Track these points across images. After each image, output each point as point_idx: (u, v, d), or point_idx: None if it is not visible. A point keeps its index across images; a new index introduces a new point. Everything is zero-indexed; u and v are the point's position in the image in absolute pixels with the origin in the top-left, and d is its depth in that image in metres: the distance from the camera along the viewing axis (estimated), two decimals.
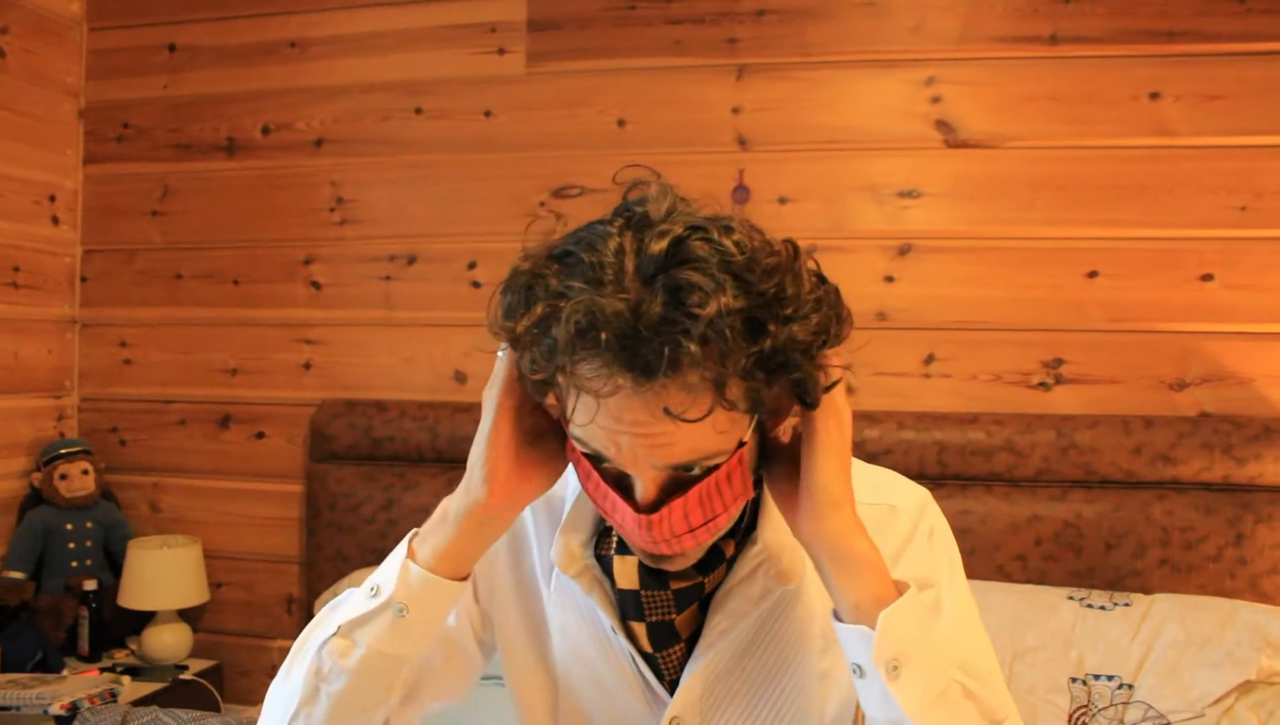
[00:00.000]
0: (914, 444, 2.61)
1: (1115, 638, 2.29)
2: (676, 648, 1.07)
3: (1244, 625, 2.25)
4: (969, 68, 2.70)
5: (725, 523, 0.97)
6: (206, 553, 3.02)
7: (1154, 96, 2.60)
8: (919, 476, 2.49)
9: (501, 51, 2.96)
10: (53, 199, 3.15)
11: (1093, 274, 2.64)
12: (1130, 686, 2.23)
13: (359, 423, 2.88)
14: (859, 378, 2.72)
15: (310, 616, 2.81)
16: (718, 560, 1.03)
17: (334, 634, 1.01)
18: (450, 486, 2.74)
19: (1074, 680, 2.26)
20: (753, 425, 0.94)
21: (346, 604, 1.03)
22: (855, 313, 2.52)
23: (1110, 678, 2.25)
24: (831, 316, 0.92)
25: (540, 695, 1.16)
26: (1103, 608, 2.34)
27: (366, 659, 1.00)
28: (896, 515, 1.10)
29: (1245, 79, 2.55)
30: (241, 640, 3.13)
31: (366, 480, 2.84)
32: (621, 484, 0.95)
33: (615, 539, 1.06)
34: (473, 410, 2.81)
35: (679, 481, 0.93)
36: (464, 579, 1.01)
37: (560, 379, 0.89)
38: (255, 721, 2.20)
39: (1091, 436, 2.54)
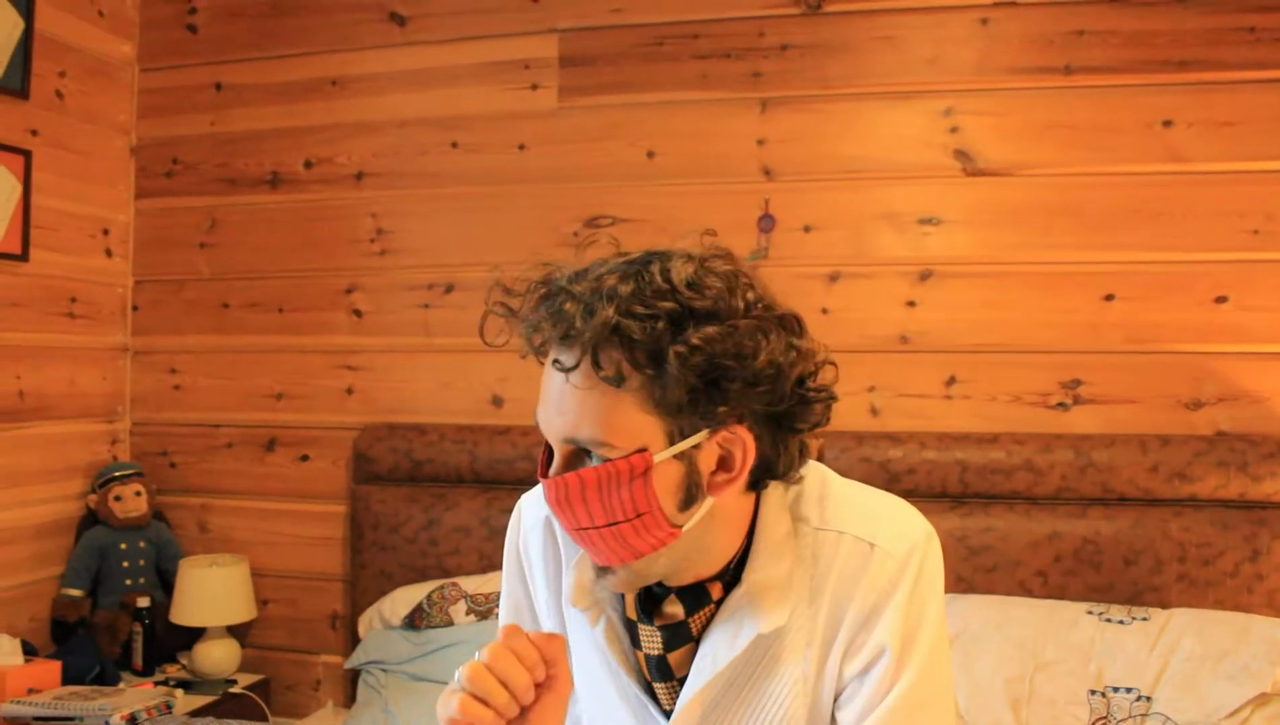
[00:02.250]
0: (936, 464, 2.65)
1: (1133, 651, 2.32)
2: (671, 683, 1.13)
3: (1260, 639, 2.27)
4: (986, 98, 2.75)
5: (634, 539, 1.01)
6: (253, 571, 3.10)
7: (1167, 124, 2.64)
8: (941, 495, 2.58)
9: (535, 87, 3.04)
10: (106, 232, 3.27)
11: (1109, 297, 2.68)
12: (1148, 699, 2.25)
13: (400, 445, 2.97)
14: (882, 399, 2.80)
15: (354, 632, 2.92)
16: (704, 601, 1.08)
17: None
18: (489, 506, 2.86)
19: (1093, 692, 2.28)
20: (668, 447, 0.98)
21: None
22: (877, 337, 2.62)
23: (1129, 690, 2.27)
24: (777, 337, 1.00)
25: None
26: (1121, 622, 2.38)
27: None
28: (874, 556, 1.08)
29: (1255, 106, 2.59)
30: (287, 655, 3.21)
31: (408, 501, 2.93)
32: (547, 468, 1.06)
33: None
34: (510, 433, 2.91)
35: (579, 460, 1.02)
36: None
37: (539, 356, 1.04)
38: None
39: (1109, 455, 2.58)
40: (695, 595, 1.09)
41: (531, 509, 1.27)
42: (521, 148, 3.06)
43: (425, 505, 2.91)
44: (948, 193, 2.78)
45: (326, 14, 3.20)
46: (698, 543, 1.05)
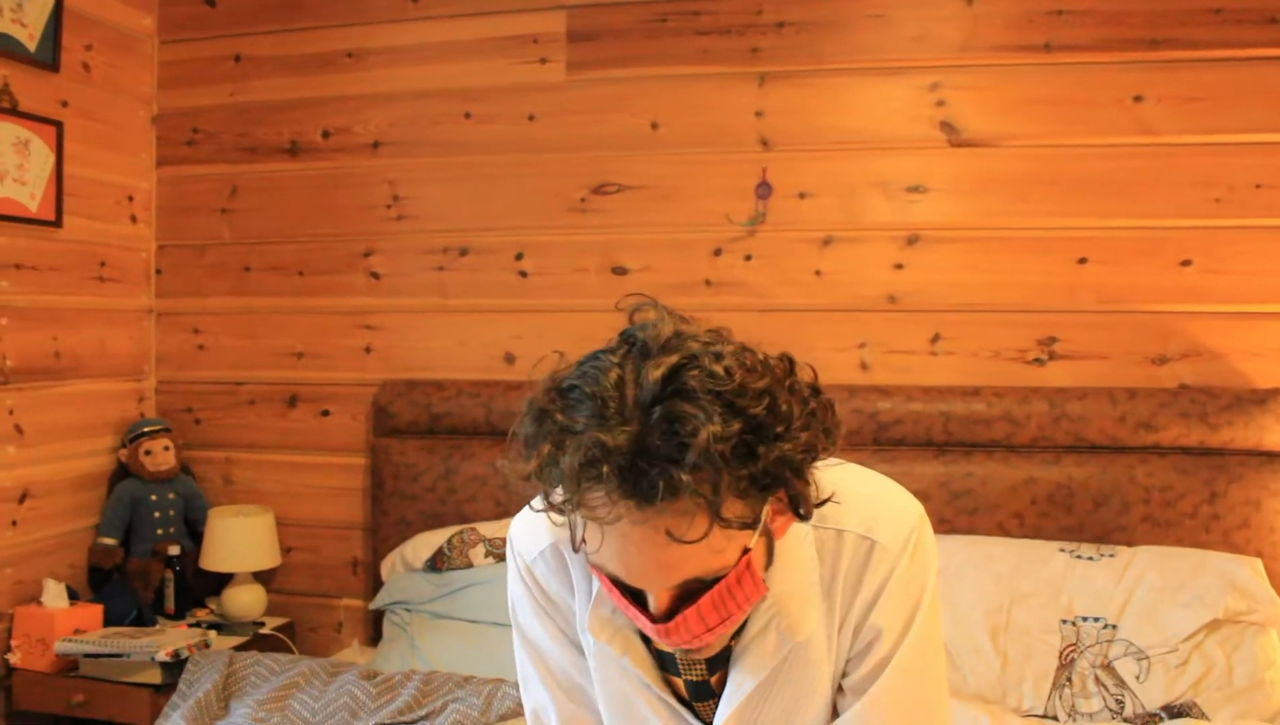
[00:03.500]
0: (922, 414, 2.78)
1: (1101, 584, 2.46)
2: (712, 701, 1.21)
3: (1214, 572, 2.44)
4: (970, 74, 2.86)
5: (740, 618, 1.04)
6: (277, 520, 3.25)
7: (1138, 99, 2.76)
8: (927, 444, 2.76)
9: (543, 61, 3.15)
10: (131, 199, 3.39)
11: (1083, 260, 2.81)
12: (1114, 627, 2.41)
13: (419, 400, 3.11)
14: (872, 355, 2.95)
15: (375, 577, 3.08)
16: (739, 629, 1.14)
17: None
18: (504, 456, 3.01)
19: (1064, 622, 2.44)
20: (758, 533, 1.00)
21: None
22: (867, 297, 2.82)
23: (1096, 619, 2.43)
24: (820, 432, 0.99)
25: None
26: (1090, 558, 2.52)
27: None
28: (875, 552, 1.15)
29: (1221, 82, 2.71)
30: (310, 600, 3.36)
31: (426, 452, 3.08)
32: (639, 597, 1.02)
33: None
34: (522, 388, 3.03)
35: (689, 592, 1.00)
36: None
37: (568, 511, 0.96)
38: (337, 665, 2.50)
39: (1081, 407, 2.72)
40: None
41: (525, 541, 1.27)
42: (531, 118, 3.16)
43: (443, 456, 3.06)
44: (933, 162, 2.90)
45: None
46: None
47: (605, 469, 0.89)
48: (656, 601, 1.00)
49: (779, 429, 0.94)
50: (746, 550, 1.00)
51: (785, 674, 1.17)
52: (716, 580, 0.99)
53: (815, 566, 1.15)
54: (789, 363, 1.01)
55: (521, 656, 1.34)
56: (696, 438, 0.88)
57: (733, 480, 0.91)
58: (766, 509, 1.00)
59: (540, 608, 1.28)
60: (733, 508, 0.93)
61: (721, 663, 1.17)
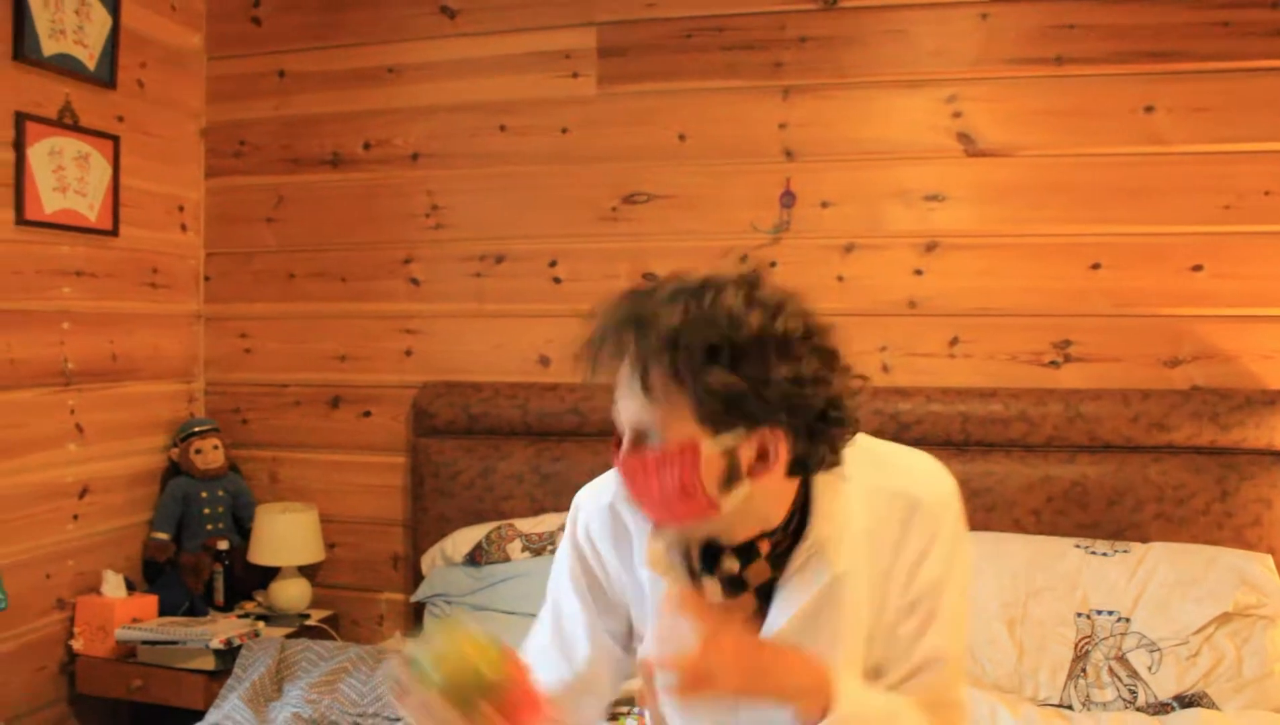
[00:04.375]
0: (941, 415, 2.88)
1: (1115, 579, 2.54)
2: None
3: (1225, 567, 2.51)
4: (985, 86, 2.94)
5: (680, 509, 1.20)
6: (321, 517, 3.36)
7: (1148, 110, 2.83)
8: (945, 443, 2.85)
9: (575, 75, 3.25)
10: (181, 209, 3.53)
11: (1096, 266, 2.89)
12: (1127, 620, 2.49)
13: (457, 401, 3.23)
14: (893, 358, 3.04)
15: (415, 571, 3.20)
16: (754, 556, 1.26)
17: None
18: (540, 455, 3.12)
19: (1079, 615, 2.51)
20: (712, 442, 1.17)
21: None
22: (888, 302, 2.90)
23: (1110, 613, 2.51)
24: (817, 393, 1.17)
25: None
26: (1104, 554, 2.60)
27: None
28: (920, 511, 1.27)
29: (1229, 92, 2.78)
30: (353, 593, 3.48)
31: (465, 451, 3.19)
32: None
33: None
34: (557, 389, 3.17)
35: (644, 442, 1.20)
36: None
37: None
38: (382, 651, 2.63)
39: (1095, 407, 2.79)
40: (746, 551, 1.26)
41: (589, 501, 1.45)
42: (564, 131, 3.27)
43: (481, 455, 3.17)
44: (951, 172, 2.98)
45: (382, 7, 3.42)
46: (742, 514, 1.22)
47: (619, 329, 1.19)
48: (626, 440, 1.22)
49: (752, 347, 1.14)
50: (692, 443, 1.17)
51: (824, 613, 1.26)
52: (660, 446, 1.18)
53: (855, 517, 1.27)
54: (813, 328, 1.19)
55: (545, 605, 1.52)
56: (679, 323, 1.14)
57: (691, 375, 1.14)
58: (741, 442, 1.18)
59: (580, 566, 1.46)
60: (687, 402, 1.15)
61: (736, 590, 1.28)
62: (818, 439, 1.22)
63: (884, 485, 1.29)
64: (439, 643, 1.19)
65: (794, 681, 1.19)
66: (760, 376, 1.14)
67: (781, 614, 1.27)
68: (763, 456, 1.20)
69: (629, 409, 1.21)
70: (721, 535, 1.27)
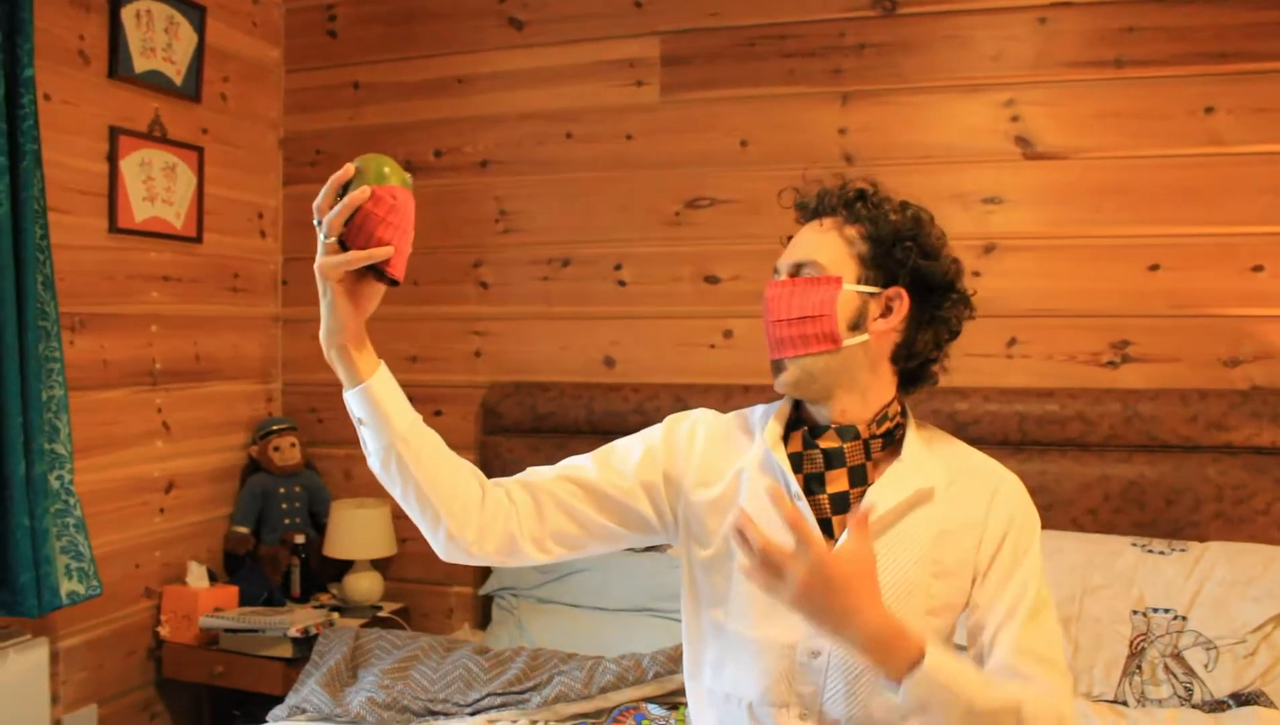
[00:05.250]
0: (998, 415, 2.90)
1: (1171, 577, 2.54)
2: (823, 497, 1.42)
3: None
4: (1043, 90, 2.96)
5: (811, 331, 1.41)
6: (393, 513, 3.44)
7: (1208, 111, 2.84)
8: (1003, 443, 2.89)
9: (640, 84, 3.33)
10: (260, 216, 3.69)
11: (1154, 267, 2.90)
12: (1184, 618, 2.50)
13: (525, 401, 3.33)
14: (951, 358, 3.06)
15: (484, 566, 3.29)
16: (854, 435, 1.42)
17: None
18: None
19: (1135, 613, 2.53)
20: (855, 283, 1.42)
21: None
22: None
23: (1167, 610, 2.52)
24: (911, 229, 1.44)
25: (722, 546, 1.48)
26: (1161, 552, 2.61)
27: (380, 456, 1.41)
28: (1005, 480, 1.46)
29: None
30: (423, 587, 3.58)
31: (532, 449, 3.29)
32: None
33: (799, 424, 1.50)
34: (621, 389, 3.25)
35: (797, 272, 1.44)
36: (357, 384, 1.36)
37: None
38: (456, 642, 2.73)
39: (1153, 407, 2.80)
40: (846, 430, 1.43)
41: (703, 412, 1.61)
42: (628, 138, 3.35)
43: (547, 453, 3.24)
44: (1009, 175, 3.01)
45: (453, 20, 3.54)
46: (850, 375, 1.44)
47: (824, 190, 1.50)
48: (784, 272, 1.46)
49: (905, 214, 1.46)
50: (838, 277, 1.41)
51: (898, 532, 1.41)
52: (810, 277, 1.42)
53: (942, 464, 1.46)
54: (916, 214, 1.48)
55: (599, 451, 1.61)
56: (860, 191, 1.48)
57: (864, 217, 1.44)
58: (874, 296, 1.43)
59: (662, 434, 1.58)
60: (853, 239, 1.44)
61: (834, 460, 1.43)
62: (930, 321, 1.47)
63: (967, 457, 1.50)
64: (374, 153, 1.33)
65: (865, 631, 1.23)
66: (910, 230, 1.44)
67: (870, 502, 1.37)
68: (886, 313, 1.43)
69: (802, 244, 1.47)
70: (824, 393, 1.45)
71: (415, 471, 1.41)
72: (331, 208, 1.28)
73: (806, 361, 1.43)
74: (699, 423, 1.58)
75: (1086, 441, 2.86)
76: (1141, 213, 2.91)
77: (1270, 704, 2.37)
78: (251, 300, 3.65)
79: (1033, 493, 2.75)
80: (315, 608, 3.33)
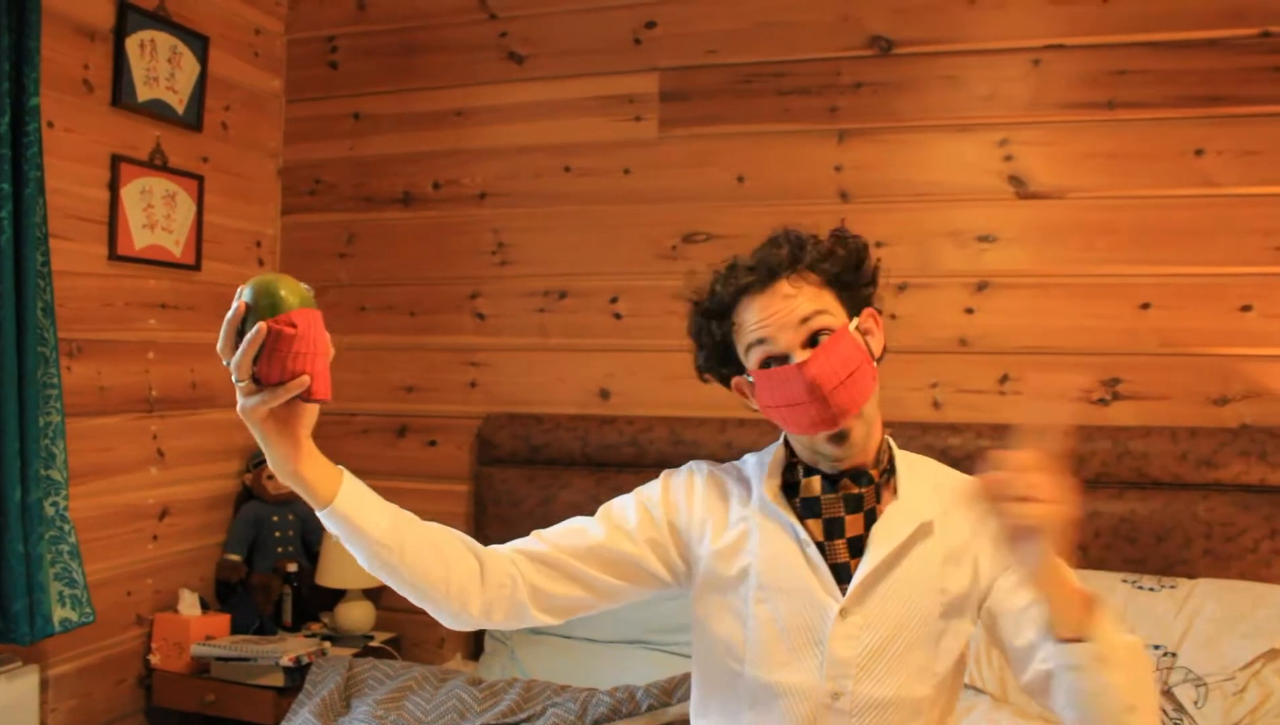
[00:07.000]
0: (990, 450, 2.93)
1: (1161, 614, 2.55)
2: (840, 542, 1.44)
3: (1273, 604, 2.52)
4: (1037, 130, 3.00)
5: (864, 381, 1.42)
6: None
7: (1198, 153, 2.87)
8: None
9: (638, 119, 3.36)
10: (259, 244, 3.70)
11: (1145, 305, 2.92)
12: (1174, 654, 2.50)
13: (520, 432, 3.33)
14: (943, 394, 3.09)
15: None
16: (867, 480, 1.45)
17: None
18: (599, 485, 3.22)
19: None
20: (850, 322, 1.45)
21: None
22: (940, 340, 2.99)
23: (1157, 647, 2.51)
24: (856, 253, 1.50)
25: (735, 595, 1.49)
26: (1152, 589, 2.62)
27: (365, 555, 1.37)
28: None
29: (1278, 136, 2.81)
30: (415, 617, 3.45)
31: (526, 481, 3.29)
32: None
33: (801, 470, 1.50)
34: (616, 422, 3.26)
35: (812, 342, 1.42)
36: (324, 507, 1.32)
37: (733, 318, 1.48)
38: (449, 672, 2.73)
39: (1144, 444, 2.81)
40: (860, 476, 1.45)
41: (697, 463, 1.62)
42: (626, 172, 3.38)
43: (541, 484, 3.26)
44: (1002, 213, 3.04)
45: (452, 53, 3.57)
46: (870, 417, 1.46)
47: (769, 252, 1.48)
48: (790, 345, 1.42)
49: (855, 267, 1.49)
50: (846, 327, 1.44)
51: (906, 568, 1.44)
52: (830, 334, 1.42)
53: (932, 491, 1.50)
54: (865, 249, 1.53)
55: (599, 514, 1.60)
56: (805, 237, 1.49)
57: (825, 271, 1.46)
58: (857, 320, 1.47)
59: (660, 490, 1.59)
60: (830, 282, 1.46)
61: (854, 504, 1.45)
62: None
63: (950, 478, 1.53)
64: (264, 275, 1.24)
65: (1066, 587, 1.28)
66: (865, 268, 1.51)
67: (874, 556, 1.43)
68: (869, 332, 1.49)
69: (793, 311, 1.43)
70: (863, 442, 1.47)
71: (402, 570, 1.42)
72: (234, 351, 1.23)
73: (867, 409, 1.46)
74: (695, 473, 1.60)
75: (1078, 478, 2.84)
76: (1133, 252, 2.94)
77: None
78: None
79: None
80: (307, 637, 3.31)
